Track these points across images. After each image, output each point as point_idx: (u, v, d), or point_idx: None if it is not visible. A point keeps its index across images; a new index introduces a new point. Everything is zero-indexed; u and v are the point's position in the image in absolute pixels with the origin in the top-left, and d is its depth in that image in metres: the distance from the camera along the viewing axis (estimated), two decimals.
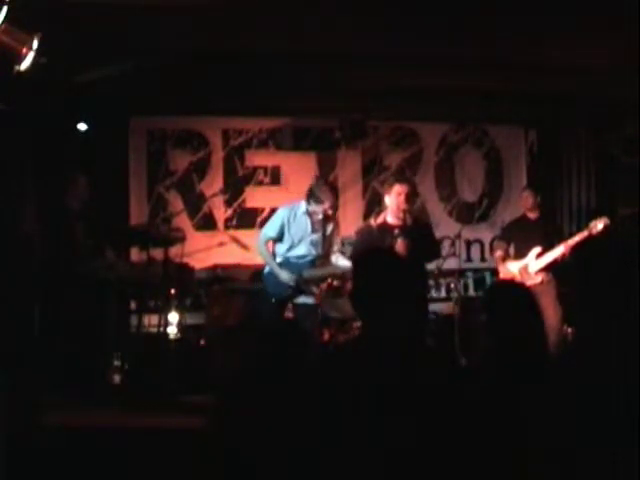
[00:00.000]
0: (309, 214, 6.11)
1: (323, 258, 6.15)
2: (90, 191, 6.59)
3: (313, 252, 6.11)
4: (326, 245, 6.16)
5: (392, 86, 7.26)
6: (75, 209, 6.47)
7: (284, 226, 6.13)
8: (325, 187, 6.18)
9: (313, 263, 6.10)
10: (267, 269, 6.19)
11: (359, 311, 2.55)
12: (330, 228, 6.22)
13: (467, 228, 8.17)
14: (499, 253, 7.25)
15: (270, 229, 6.23)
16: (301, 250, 6.11)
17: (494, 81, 7.17)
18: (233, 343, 6.49)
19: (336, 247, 6.21)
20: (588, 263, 7.12)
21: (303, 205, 6.16)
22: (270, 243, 6.26)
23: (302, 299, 6.13)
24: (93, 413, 5.47)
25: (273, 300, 6.06)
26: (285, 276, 6.03)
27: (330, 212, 6.13)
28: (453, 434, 2.27)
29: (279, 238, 6.16)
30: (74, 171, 6.71)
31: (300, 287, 6.04)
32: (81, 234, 6.42)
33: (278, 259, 6.18)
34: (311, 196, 6.11)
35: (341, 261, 6.14)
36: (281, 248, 6.17)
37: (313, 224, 6.13)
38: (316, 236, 6.12)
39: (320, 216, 6.11)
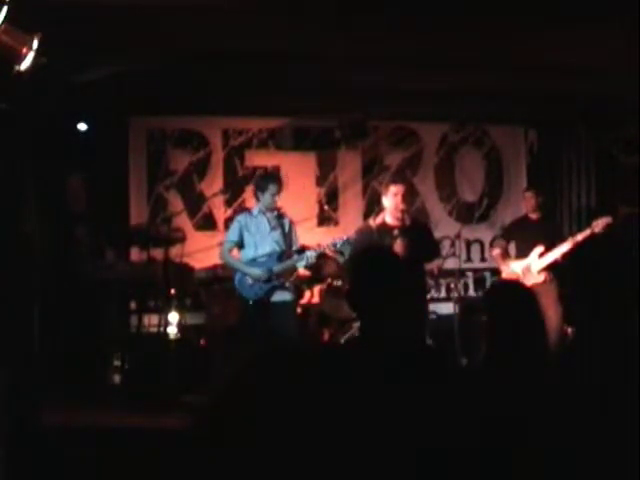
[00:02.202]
0: (263, 213, 6.17)
1: (288, 252, 6.17)
2: (89, 192, 6.59)
3: (277, 249, 6.14)
4: (287, 241, 6.20)
5: (392, 86, 7.26)
6: (74, 210, 6.47)
7: (242, 229, 6.19)
8: (266, 174, 6.29)
9: (280, 258, 6.12)
10: (237, 276, 6.17)
11: (358, 311, 2.54)
12: (287, 225, 6.26)
13: (467, 228, 8.18)
14: (497, 251, 7.26)
15: (231, 234, 6.30)
16: (266, 248, 6.14)
17: (494, 81, 7.17)
18: (233, 343, 6.49)
19: (295, 246, 6.24)
20: (588, 263, 7.12)
21: (256, 208, 6.26)
22: (235, 251, 6.28)
23: (279, 296, 6.12)
24: (93, 413, 5.48)
25: (251, 302, 6.06)
26: (256, 272, 6.04)
27: (277, 202, 6.16)
28: (453, 434, 2.26)
29: (240, 243, 6.19)
30: (74, 172, 6.71)
31: (273, 281, 6.05)
32: (81, 235, 6.42)
33: (248, 264, 6.18)
34: (257, 189, 6.23)
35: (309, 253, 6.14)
36: (247, 253, 6.19)
37: (269, 221, 6.17)
38: (276, 233, 6.17)
39: (275, 212, 6.17)
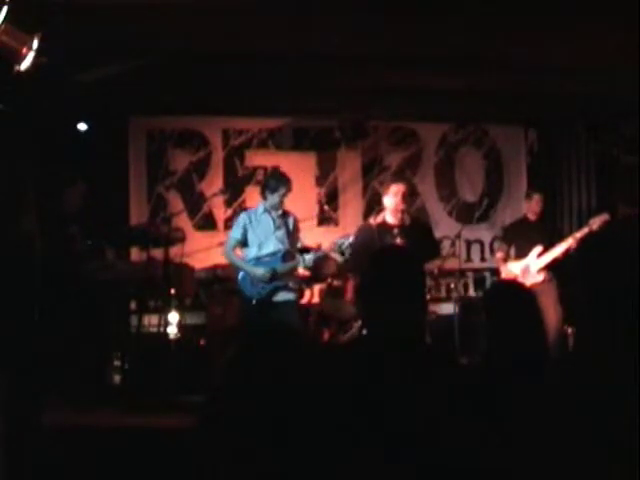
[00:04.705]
0: (268, 212, 6.16)
1: (292, 252, 6.16)
2: (87, 193, 6.59)
3: (281, 247, 6.14)
4: (291, 240, 6.19)
5: (392, 86, 7.26)
6: (72, 211, 6.46)
7: (246, 228, 6.18)
8: (277, 175, 6.26)
9: (284, 258, 6.11)
10: (241, 274, 6.17)
11: (361, 309, 2.55)
12: (291, 223, 6.25)
13: (467, 228, 8.18)
14: (500, 255, 7.25)
15: (234, 232, 6.29)
16: (270, 247, 6.13)
17: (494, 81, 7.17)
18: (233, 343, 6.48)
19: (300, 243, 6.24)
20: (588, 263, 7.12)
21: (261, 206, 6.22)
22: (238, 250, 6.28)
23: (282, 296, 6.12)
24: (93, 413, 5.48)
25: (254, 302, 6.06)
26: (260, 272, 6.03)
27: (284, 203, 6.15)
28: (453, 434, 2.27)
29: (244, 242, 6.19)
30: (73, 172, 6.70)
31: (277, 281, 6.05)
32: (79, 236, 6.41)
33: (251, 263, 6.17)
34: (266, 188, 6.17)
35: (307, 256, 6.14)
36: (251, 251, 6.18)
37: (274, 220, 6.17)
38: (280, 232, 6.16)
39: (279, 211, 6.15)
